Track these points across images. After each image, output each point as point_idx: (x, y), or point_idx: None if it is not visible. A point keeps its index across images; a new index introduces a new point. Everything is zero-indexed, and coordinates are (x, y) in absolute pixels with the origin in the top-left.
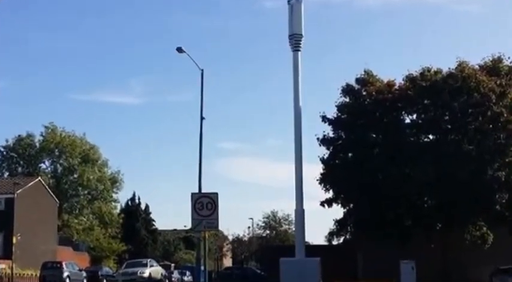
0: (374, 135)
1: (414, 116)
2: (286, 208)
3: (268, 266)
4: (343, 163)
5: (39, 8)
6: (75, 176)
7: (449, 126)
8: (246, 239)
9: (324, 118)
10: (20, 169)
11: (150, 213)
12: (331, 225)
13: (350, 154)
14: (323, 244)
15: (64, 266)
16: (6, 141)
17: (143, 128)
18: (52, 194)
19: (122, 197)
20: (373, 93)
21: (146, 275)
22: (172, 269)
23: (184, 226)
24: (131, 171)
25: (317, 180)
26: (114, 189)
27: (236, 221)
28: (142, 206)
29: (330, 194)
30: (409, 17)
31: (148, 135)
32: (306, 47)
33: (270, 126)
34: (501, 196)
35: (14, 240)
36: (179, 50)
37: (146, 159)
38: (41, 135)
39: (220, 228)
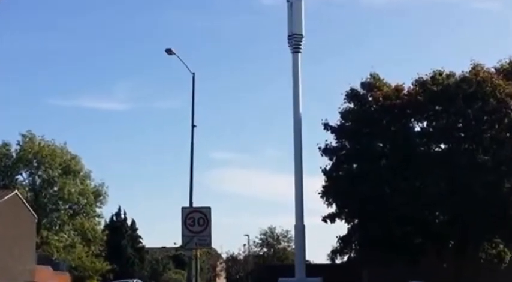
0: (381, 145)
1: (424, 124)
2: (285, 224)
3: None
4: (347, 175)
5: (13, 6)
6: (55, 189)
7: (462, 135)
8: (241, 257)
9: (326, 126)
10: None
11: (136, 229)
12: (334, 243)
13: (354, 165)
14: (325, 263)
15: None
16: None
17: (129, 137)
18: (30, 208)
19: (106, 211)
20: (380, 98)
21: None
22: None
23: (174, 243)
24: (116, 184)
25: (319, 193)
26: (98, 204)
27: (231, 238)
28: (129, 222)
29: (332, 209)
30: (420, 15)
31: (134, 144)
32: (306, 49)
33: (267, 135)
34: None
35: None
36: (168, 51)
37: (132, 170)
38: (18, 144)
39: (213, 245)
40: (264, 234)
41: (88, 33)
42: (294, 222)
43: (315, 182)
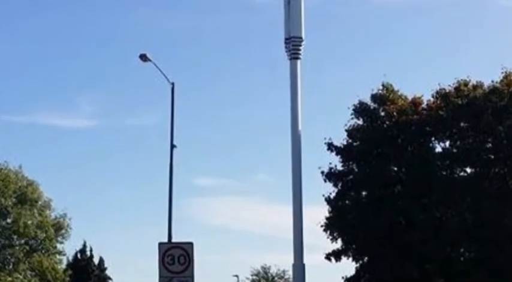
0: (395, 169)
1: (447, 144)
2: (281, 262)
3: None
4: (355, 204)
5: None
6: (9, 220)
7: (492, 157)
8: None
9: (331, 146)
10: None
11: (105, 268)
12: None
13: (364, 193)
14: None
15: None
16: None
17: (96, 159)
18: None
19: (68, 248)
20: (394, 113)
21: None
22: None
23: None
24: (81, 215)
25: (321, 226)
26: (59, 238)
27: (217, 279)
28: (96, 260)
29: (338, 245)
30: (442, 15)
31: (102, 168)
32: (307, 54)
33: (260, 157)
34: None
35: None
36: (143, 57)
37: (100, 199)
38: None
39: None
40: (257, 275)
41: (46, 37)
42: (292, 261)
43: (316, 213)
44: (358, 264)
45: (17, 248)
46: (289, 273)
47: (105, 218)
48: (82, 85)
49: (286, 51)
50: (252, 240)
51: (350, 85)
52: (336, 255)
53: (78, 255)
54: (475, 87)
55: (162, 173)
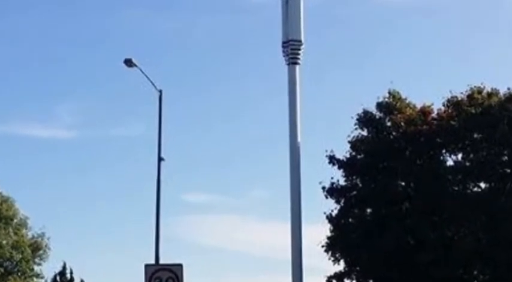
0: (403, 184)
1: (459, 157)
2: None
3: None
4: (360, 223)
5: None
6: None
7: (508, 171)
8: None
9: (332, 159)
10: None
11: None
12: None
13: (369, 210)
14: None
15: None
16: None
17: (77, 174)
18: None
19: (47, 270)
20: (402, 123)
21: None
22: None
23: None
24: (60, 234)
25: (322, 246)
26: (37, 260)
27: None
28: None
29: (340, 267)
30: (453, 16)
31: (83, 183)
32: (306, 59)
33: (256, 172)
34: None
35: None
36: (128, 62)
37: (81, 217)
38: None
39: None
40: None
41: (18, 37)
42: None
43: (317, 232)
44: None
45: None
46: None
47: (87, 237)
48: (62, 92)
49: (284, 56)
50: (247, 261)
51: (353, 93)
52: (338, 278)
53: (58, 278)
54: (489, 94)
55: (148, 188)
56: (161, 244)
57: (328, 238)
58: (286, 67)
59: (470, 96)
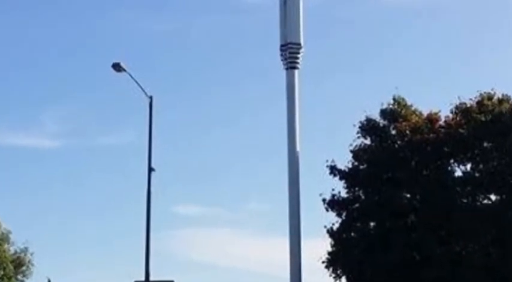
0: (408, 196)
1: (468, 167)
2: None
3: None
4: (362, 237)
5: None
6: None
7: None
8: None
9: (333, 169)
10: None
11: None
12: None
13: (372, 224)
14: None
15: None
16: None
17: (62, 185)
18: None
19: None
20: (407, 132)
21: None
22: None
23: None
24: (44, 249)
25: (323, 262)
26: (19, 276)
27: None
28: None
29: None
30: (462, 17)
31: (69, 195)
32: (306, 63)
33: (252, 183)
34: None
35: None
36: (116, 67)
37: (67, 231)
38: None
39: None
40: None
41: (3, 43)
42: None
43: (317, 247)
44: None
45: None
46: None
47: (73, 252)
48: (46, 99)
49: (282, 60)
50: (242, 278)
51: (356, 99)
52: None
53: None
54: (500, 101)
55: (138, 200)
56: (152, 259)
57: (329, 253)
58: (284, 72)
59: (479, 103)
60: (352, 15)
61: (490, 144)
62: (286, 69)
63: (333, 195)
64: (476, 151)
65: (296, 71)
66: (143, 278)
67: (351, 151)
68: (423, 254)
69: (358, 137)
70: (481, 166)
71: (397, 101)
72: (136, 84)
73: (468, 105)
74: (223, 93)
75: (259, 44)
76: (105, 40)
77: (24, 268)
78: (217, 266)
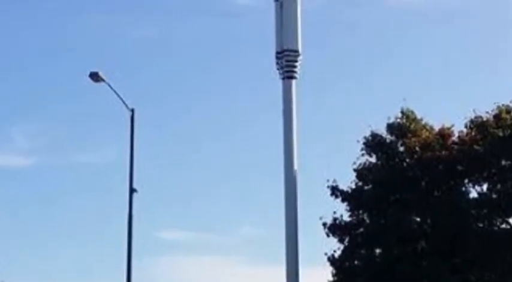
0: (418, 219)
1: (484, 187)
2: None
3: None
4: (367, 265)
5: None
6: None
7: None
8: None
9: (335, 190)
10: None
11: None
12: None
13: (378, 250)
14: None
15: None
16: None
17: (35, 206)
18: None
19: None
20: (417, 148)
21: None
22: None
23: None
24: (16, 278)
25: None
26: None
27: None
28: None
29: None
30: (477, 22)
31: (44, 217)
32: (304, 72)
33: (245, 205)
34: None
35: None
36: (94, 77)
37: (41, 257)
38: None
39: None
40: None
41: None
42: None
43: (317, 276)
44: None
45: None
46: None
47: (49, 279)
48: (17, 113)
49: (278, 69)
50: None
51: (360, 112)
52: None
53: None
54: None
55: (119, 224)
56: None
57: None
58: (280, 81)
59: (497, 116)
60: (355, 18)
61: (509, 162)
62: (283, 78)
63: (335, 219)
64: (493, 170)
65: (293, 81)
66: None
67: (355, 170)
68: None
69: (363, 155)
70: (498, 186)
71: (406, 114)
72: (116, 96)
73: (484, 119)
74: (212, 105)
75: (252, 51)
76: (81, 47)
77: None
78: None
